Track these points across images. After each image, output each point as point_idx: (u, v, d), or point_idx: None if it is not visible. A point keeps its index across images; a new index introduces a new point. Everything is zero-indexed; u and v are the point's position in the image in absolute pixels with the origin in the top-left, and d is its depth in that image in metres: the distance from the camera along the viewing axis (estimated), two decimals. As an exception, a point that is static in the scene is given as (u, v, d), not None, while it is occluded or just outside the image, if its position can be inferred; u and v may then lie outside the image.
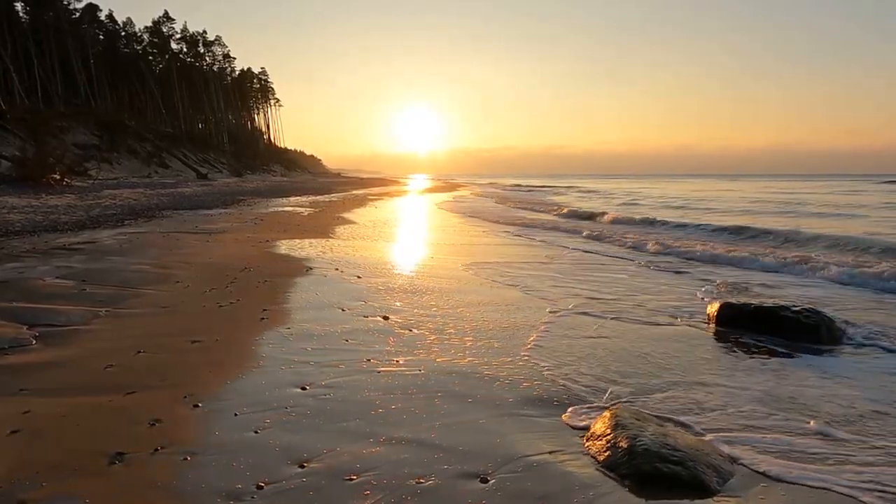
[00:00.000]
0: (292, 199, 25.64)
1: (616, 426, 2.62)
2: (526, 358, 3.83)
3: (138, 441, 2.50)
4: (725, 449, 2.60)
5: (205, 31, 75.06)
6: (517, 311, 5.17)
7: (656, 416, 2.90)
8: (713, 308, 4.92)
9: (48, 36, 47.31)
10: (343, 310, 5.01)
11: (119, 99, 57.13)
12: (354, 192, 37.04)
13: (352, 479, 2.25)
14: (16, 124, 29.88)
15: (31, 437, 2.53)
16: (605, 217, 16.19)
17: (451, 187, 54.00)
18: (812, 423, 2.90)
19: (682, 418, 2.92)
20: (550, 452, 2.54)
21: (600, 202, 26.60)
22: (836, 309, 5.27)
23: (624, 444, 2.48)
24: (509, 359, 3.80)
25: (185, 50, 72.36)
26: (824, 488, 2.33)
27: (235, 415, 2.82)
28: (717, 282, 6.69)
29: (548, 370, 3.60)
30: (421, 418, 2.84)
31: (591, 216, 16.72)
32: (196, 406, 2.91)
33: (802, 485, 2.34)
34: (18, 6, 46.80)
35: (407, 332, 4.38)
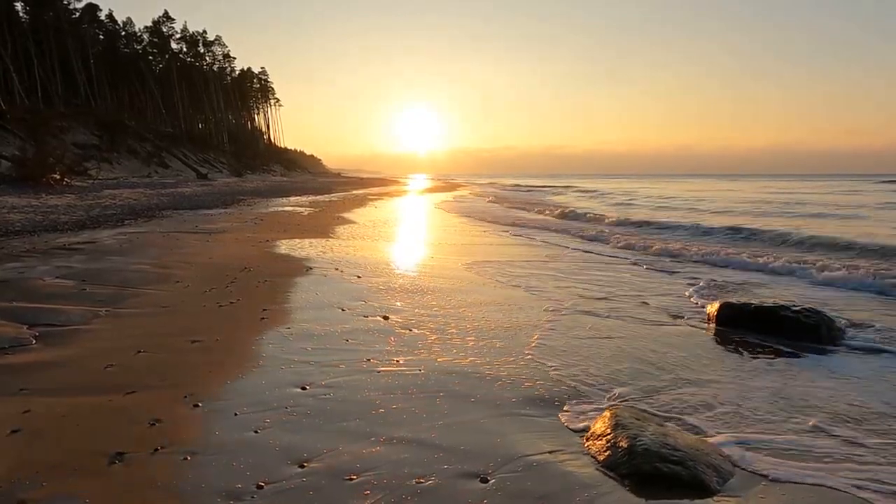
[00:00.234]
0: (292, 198, 25.63)
1: (616, 426, 2.62)
2: (528, 357, 3.83)
3: (138, 441, 2.50)
4: (736, 450, 2.60)
5: (205, 31, 75.14)
6: (520, 310, 5.17)
7: (662, 416, 2.90)
8: (713, 308, 4.92)
9: (48, 36, 47.31)
10: (343, 310, 5.01)
11: (119, 99, 57.12)
12: (354, 191, 37.04)
13: (352, 479, 2.25)
14: (16, 124, 29.88)
15: (31, 437, 2.53)
16: (602, 217, 16.18)
17: (451, 187, 54.00)
18: (812, 421, 2.91)
19: (687, 418, 2.92)
20: (551, 452, 2.54)
21: (598, 203, 26.56)
22: (832, 309, 5.27)
23: (624, 444, 2.48)
24: (511, 358, 3.80)
25: (185, 50, 72.37)
26: (824, 485, 2.33)
27: (235, 415, 2.82)
28: (702, 282, 6.68)
29: (550, 370, 3.59)
30: (421, 418, 2.84)
31: (587, 217, 16.71)
32: (196, 406, 2.91)
33: (802, 483, 2.34)
34: (18, 6, 46.82)
35: (407, 331, 4.38)
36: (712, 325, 4.78)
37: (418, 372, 3.50)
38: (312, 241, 10.07)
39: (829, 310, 4.92)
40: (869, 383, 3.52)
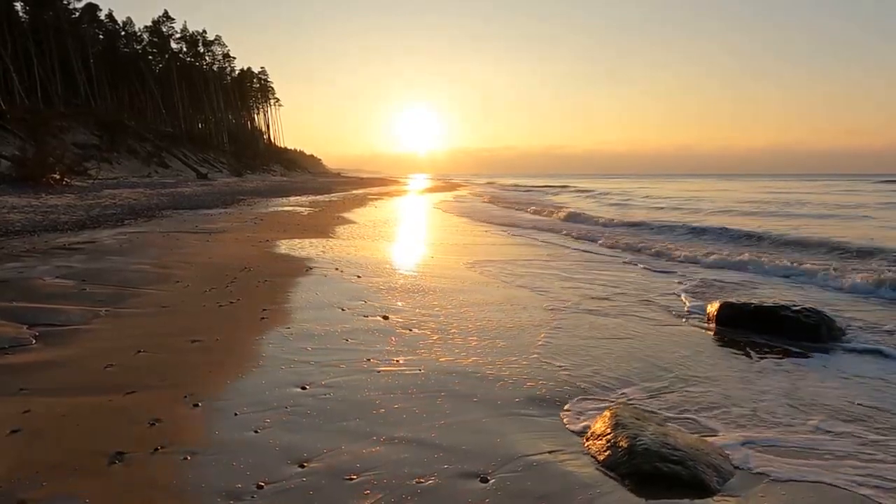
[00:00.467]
0: (292, 198, 25.63)
1: (616, 426, 2.62)
2: (530, 357, 3.82)
3: (138, 441, 2.50)
4: (737, 448, 2.60)
5: (205, 31, 75.14)
6: (523, 310, 5.17)
7: (662, 416, 2.90)
8: (713, 307, 4.92)
9: (48, 36, 47.30)
10: (343, 309, 5.01)
11: (119, 99, 57.12)
12: (354, 191, 37.03)
13: (352, 479, 2.25)
14: (16, 124, 29.88)
15: (31, 437, 2.52)
16: (597, 218, 16.16)
17: (451, 187, 54.01)
18: (814, 420, 2.91)
19: (688, 418, 2.93)
20: (551, 452, 2.54)
21: (595, 203, 26.51)
22: (832, 310, 5.27)
23: (624, 444, 2.48)
24: (513, 358, 3.80)
25: (184, 50, 72.37)
26: (823, 482, 2.34)
27: (235, 414, 2.82)
28: (697, 282, 6.70)
29: (551, 370, 3.59)
30: (421, 418, 2.84)
31: (583, 217, 16.68)
32: (196, 406, 2.91)
33: (803, 481, 2.34)
34: (18, 6, 46.82)
35: (407, 331, 4.38)
36: (712, 325, 4.78)
37: (418, 372, 3.50)
38: (312, 240, 10.07)
39: (829, 310, 4.92)
40: (869, 382, 3.52)
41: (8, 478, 2.18)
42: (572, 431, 2.76)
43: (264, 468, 2.31)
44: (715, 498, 2.22)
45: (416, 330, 4.42)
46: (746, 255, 8.75)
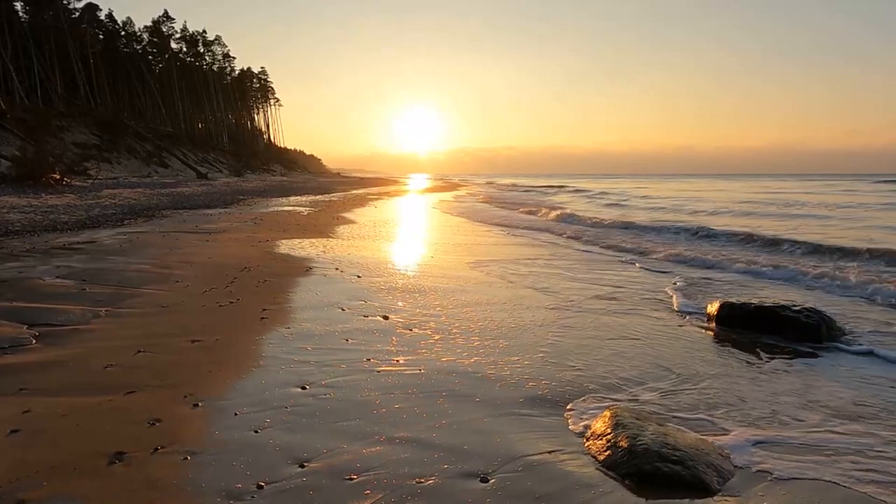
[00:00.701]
0: (292, 198, 25.64)
1: (616, 426, 2.62)
2: (532, 357, 3.82)
3: (138, 441, 2.50)
4: (738, 447, 2.60)
5: (204, 31, 75.14)
6: (526, 310, 5.16)
7: (663, 415, 2.90)
8: (713, 307, 4.92)
9: (48, 36, 47.30)
10: (343, 309, 5.01)
11: (119, 99, 57.12)
12: (354, 191, 37.04)
13: (352, 479, 2.25)
14: (15, 124, 29.87)
15: (31, 437, 2.52)
16: (592, 219, 16.13)
17: (451, 187, 54.02)
18: (815, 419, 2.91)
19: (688, 417, 2.93)
20: (551, 452, 2.54)
21: (590, 204, 26.46)
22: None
23: (624, 444, 2.48)
24: (515, 358, 3.80)
25: (184, 49, 72.38)
26: (823, 479, 2.35)
27: (235, 414, 2.82)
28: (694, 282, 6.71)
29: (552, 370, 3.59)
30: (421, 418, 2.84)
31: (576, 218, 16.65)
32: (196, 406, 2.90)
33: (803, 479, 2.34)
34: (18, 6, 46.82)
35: (408, 331, 4.37)
36: (712, 325, 4.78)
37: (419, 371, 3.49)
38: (312, 240, 10.06)
39: (827, 310, 4.92)
40: (871, 382, 3.52)
41: (8, 478, 2.18)
42: (573, 431, 2.76)
43: (264, 468, 2.31)
44: (715, 498, 2.22)
45: (416, 330, 4.42)
46: (743, 255, 8.75)
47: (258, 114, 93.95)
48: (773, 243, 10.20)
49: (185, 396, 3.00)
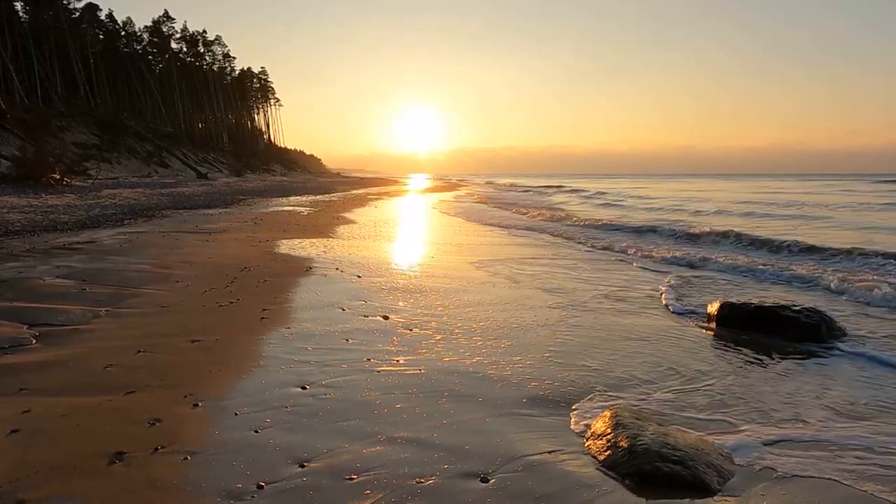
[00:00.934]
0: (292, 198, 25.64)
1: (616, 426, 2.61)
2: (534, 357, 3.82)
3: (138, 441, 2.49)
4: (740, 446, 2.60)
5: (205, 31, 75.16)
6: (528, 310, 5.16)
7: (663, 415, 2.90)
8: (713, 307, 4.92)
9: (48, 36, 47.30)
10: (343, 309, 5.01)
11: (119, 98, 57.12)
12: (354, 191, 37.04)
13: (352, 479, 2.25)
14: (15, 124, 29.87)
15: (31, 437, 2.52)
16: (591, 219, 16.11)
17: (450, 187, 54.03)
18: (816, 419, 2.91)
19: (688, 417, 2.93)
20: (551, 452, 2.54)
21: (588, 204, 26.44)
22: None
23: (624, 444, 2.48)
24: (517, 358, 3.79)
25: (184, 49, 72.39)
26: (823, 478, 2.35)
27: (235, 414, 2.82)
28: (690, 282, 6.71)
29: (555, 369, 3.59)
30: (421, 418, 2.84)
31: (573, 219, 16.63)
32: (196, 406, 2.90)
33: (804, 477, 2.34)
34: (18, 6, 46.82)
35: (408, 331, 4.37)
36: (712, 325, 4.78)
37: (419, 371, 3.49)
38: (313, 240, 10.06)
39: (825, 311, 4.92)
40: (870, 381, 3.52)
41: (8, 478, 2.18)
42: (574, 431, 2.76)
43: (264, 468, 2.31)
44: (715, 498, 2.22)
45: (417, 330, 4.42)
46: (743, 256, 8.75)
47: (258, 114, 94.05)
48: (771, 244, 10.18)
49: (185, 396, 3.00)
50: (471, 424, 2.79)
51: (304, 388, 3.18)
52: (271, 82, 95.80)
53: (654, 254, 9.08)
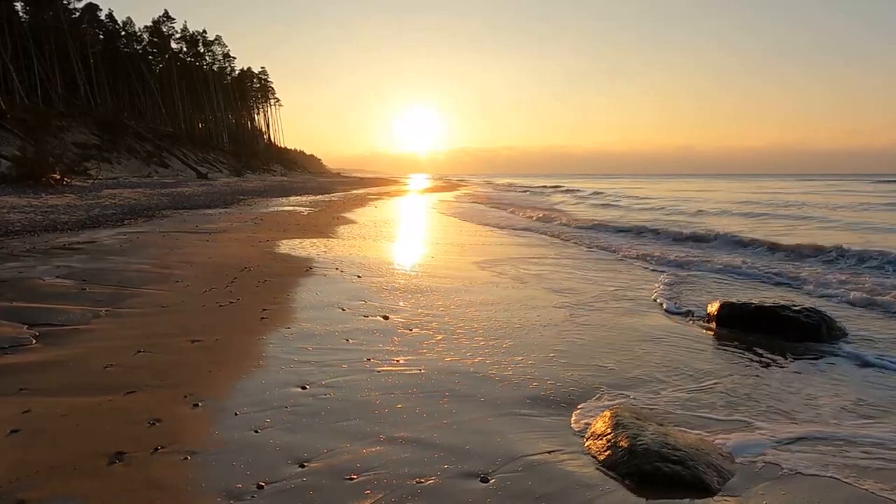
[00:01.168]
0: (292, 198, 25.63)
1: (616, 426, 2.61)
2: (535, 357, 3.82)
3: (138, 441, 2.49)
4: (741, 446, 2.60)
5: (205, 31, 75.16)
6: (531, 310, 5.16)
7: (662, 415, 2.90)
8: (713, 307, 4.92)
9: (48, 36, 47.30)
10: (344, 309, 5.01)
11: (119, 99, 57.12)
12: (354, 191, 37.04)
13: (352, 479, 2.25)
14: (15, 124, 29.87)
15: (31, 437, 2.52)
16: (589, 219, 16.09)
17: (450, 187, 54.04)
18: (816, 418, 2.91)
19: (688, 417, 2.93)
20: (551, 452, 2.54)
21: (585, 204, 26.42)
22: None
23: (624, 444, 2.48)
24: (518, 358, 3.79)
25: (185, 49, 72.39)
26: (823, 476, 2.35)
27: (236, 414, 2.82)
28: (689, 282, 6.71)
29: (556, 369, 3.59)
30: (421, 418, 2.84)
31: (565, 218, 16.62)
32: (196, 406, 2.90)
33: (807, 476, 2.34)
34: (18, 6, 46.82)
35: (408, 331, 4.37)
36: (712, 325, 4.78)
37: (419, 371, 3.49)
38: (313, 240, 10.06)
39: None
40: (870, 381, 3.52)
41: (8, 478, 2.18)
42: (574, 432, 2.76)
43: (264, 468, 2.31)
44: (715, 498, 2.22)
45: (417, 330, 4.42)
46: (739, 258, 8.75)
47: (258, 114, 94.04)
48: (771, 244, 10.18)
49: (185, 396, 3.00)
50: (471, 424, 2.79)
51: (304, 388, 3.18)
52: (271, 82, 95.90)
53: (651, 254, 9.08)
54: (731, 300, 5.00)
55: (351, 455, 2.44)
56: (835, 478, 2.36)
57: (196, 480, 2.20)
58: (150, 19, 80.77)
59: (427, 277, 6.73)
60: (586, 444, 2.61)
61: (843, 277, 6.73)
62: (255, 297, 5.37)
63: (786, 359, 3.97)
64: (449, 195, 35.33)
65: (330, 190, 37.27)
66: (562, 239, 11.71)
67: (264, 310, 4.88)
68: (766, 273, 7.35)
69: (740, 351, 4.14)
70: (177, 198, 20.66)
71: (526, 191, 44.24)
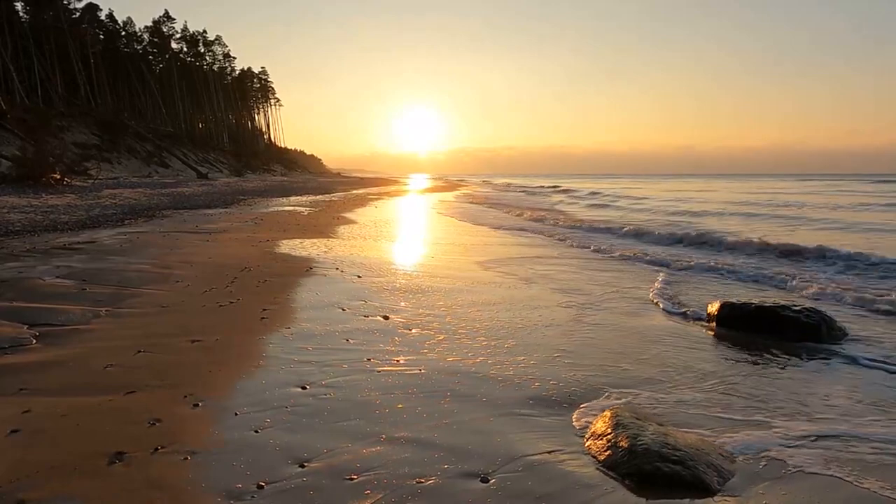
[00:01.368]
0: (292, 198, 25.63)
1: (616, 426, 2.61)
2: (537, 357, 3.82)
3: (138, 441, 2.49)
4: (741, 446, 2.60)
5: (205, 31, 75.19)
6: (533, 310, 5.16)
7: (662, 416, 2.90)
8: (713, 307, 4.92)
9: (48, 36, 47.32)
10: (344, 309, 5.01)
11: (119, 99, 57.14)
12: (355, 191, 37.04)
13: (352, 479, 2.25)
14: (16, 124, 29.87)
15: (31, 437, 2.52)
16: (588, 220, 16.08)
17: (450, 187, 54.05)
18: (816, 418, 2.91)
19: (688, 417, 2.93)
20: (551, 452, 2.53)
21: (581, 205, 26.40)
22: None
23: (624, 444, 2.47)
24: (520, 358, 3.79)
25: (185, 49, 72.42)
26: (823, 474, 2.35)
27: (236, 414, 2.82)
28: (688, 283, 6.70)
29: (557, 369, 3.59)
30: (422, 418, 2.84)
31: (568, 219, 16.60)
32: (196, 406, 2.90)
33: (807, 475, 2.34)
34: (18, 6, 46.83)
35: (408, 331, 4.37)
36: (712, 325, 4.78)
37: (419, 371, 3.49)
38: (313, 240, 10.06)
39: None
40: (870, 381, 3.52)
41: (8, 478, 2.18)
42: (574, 432, 2.76)
43: (264, 468, 2.31)
44: (716, 498, 2.22)
45: (418, 330, 4.42)
46: (741, 256, 8.74)
47: (258, 114, 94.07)
48: (770, 245, 10.16)
49: (186, 396, 3.00)
50: (471, 424, 2.79)
51: (304, 388, 3.18)
52: (271, 82, 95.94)
53: (651, 254, 9.08)
54: (731, 300, 5.00)
55: (351, 455, 2.44)
56: (836, 477, 2.36)
57: (196, 480, 2.20)
58: (151, 19, 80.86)
59: (427, 277, 6.73)
60: (586, 444, 2.61)
61: (843, 277, 6.75)
62: (255, 297, 5.37)
63: (786, 359, 3.97)
64: (449, 195, 35.34)
65: (330, 190, 37.28)
66: (562, 239, 11.71)
67: (264, 310, 4.88)
68: (766, 273, 7.34)
69: (741, 351, 4.14)
70: (177, 198, 20.66)
71: (526, 191, 44.26)
